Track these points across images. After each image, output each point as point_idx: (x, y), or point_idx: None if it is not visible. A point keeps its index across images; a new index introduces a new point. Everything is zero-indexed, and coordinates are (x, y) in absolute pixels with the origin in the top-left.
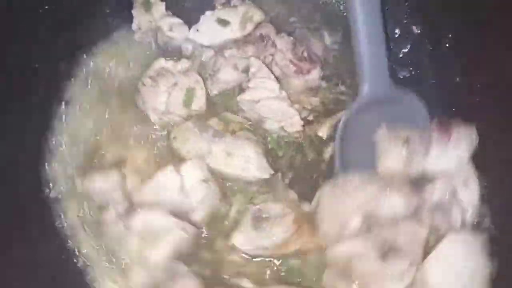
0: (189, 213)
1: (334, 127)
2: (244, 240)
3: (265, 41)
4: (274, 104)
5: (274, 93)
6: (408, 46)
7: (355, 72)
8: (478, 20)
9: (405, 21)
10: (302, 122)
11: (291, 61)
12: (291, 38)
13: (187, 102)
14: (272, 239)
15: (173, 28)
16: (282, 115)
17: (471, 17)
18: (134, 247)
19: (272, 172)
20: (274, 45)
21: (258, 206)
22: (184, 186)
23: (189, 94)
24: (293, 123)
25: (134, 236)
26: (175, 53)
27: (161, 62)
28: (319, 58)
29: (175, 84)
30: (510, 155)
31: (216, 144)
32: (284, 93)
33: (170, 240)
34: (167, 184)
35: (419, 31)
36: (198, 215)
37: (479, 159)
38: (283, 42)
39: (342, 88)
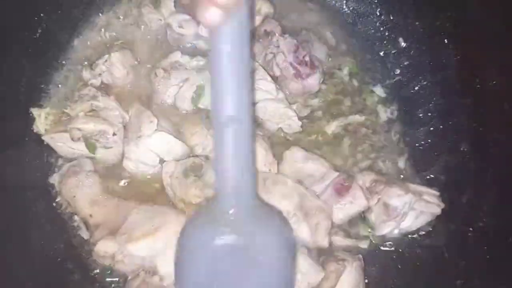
0: (125, 154)
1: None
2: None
3: (269, 37)
4: (272, 106)
5: (271, 95)
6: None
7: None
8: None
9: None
10: (300, 123)
11: (291, 64)
12: (295, 40)
13: (196, 99)
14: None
15: (182, 25)
16: (280, 117)
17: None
18: None
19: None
20: (277, 44)
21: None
22: (141, 138)
23: (199, 91)
24: (291, 125)
25: None
26: (189, 50)
27: (177, 56)
28: (321, 64)
29: (187, 79)
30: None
31: None
32: (281, 94)
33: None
34: (139, 122)
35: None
36: (126, 165)
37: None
38: (286, 44)
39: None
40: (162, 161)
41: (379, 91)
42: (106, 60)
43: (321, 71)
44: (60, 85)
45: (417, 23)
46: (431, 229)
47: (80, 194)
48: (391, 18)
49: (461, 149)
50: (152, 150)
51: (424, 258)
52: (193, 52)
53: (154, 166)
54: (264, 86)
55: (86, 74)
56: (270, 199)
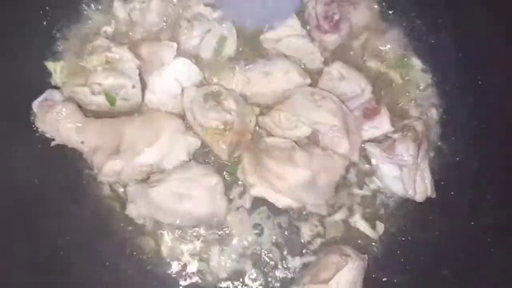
0: (146, 90)
1: None
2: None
3: None
4: (295, 41)
5: (295, 31)
6: None
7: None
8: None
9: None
10: (323, 59)
11: (316, 15)
12: None
13: (218, 49)
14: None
15: None
16: (303, 52)
17: None
18: None
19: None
20: None
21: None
22: (164, 67)
23: (221, 42)
24: (314, 59)
25: None
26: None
27: (200, 7)
28: (348, 28)
29: (209, 30)
30: None
31: (251, 71)
32: (304, 31)
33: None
34: (160, 51)
35: None
36: (148, 99)
37: None
38: None
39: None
40: (183, 89)
41: None
42: (143, 2)
43: (343, 34)
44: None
45: (418, 21)
46: (432, 227)
47: (62, 125)
48: (392, 17)
49: (462, 148)
50: (174, 77)
51: (425, 256)
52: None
53: (176, 95)
54: (289, 21)
55: (117, 4)
56: (319, 113)
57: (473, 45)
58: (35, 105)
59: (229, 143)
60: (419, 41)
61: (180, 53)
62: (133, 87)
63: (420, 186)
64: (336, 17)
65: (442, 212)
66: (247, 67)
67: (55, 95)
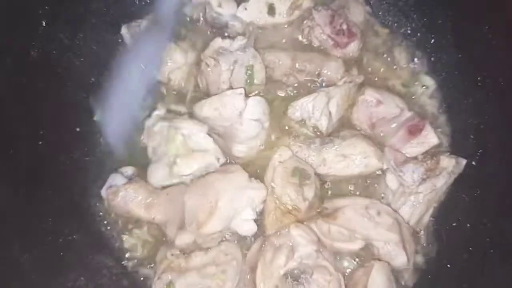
0: (232, 144)
1: None
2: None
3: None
4: None
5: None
6: None
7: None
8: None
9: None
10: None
11: (329, 36)
12: (329, 10)
13: (250, 78)
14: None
15: (222, 4)
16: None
17: None
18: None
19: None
20: (312, 19)
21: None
22: (242, 114)
23: (250, 70)
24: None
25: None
26: (225, 31)
27: (219, 42)
28: (359, 28)
29: (235, 61)
30: None
31: (327, 152)
32: None
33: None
34: (230, 103)
35: None
36: (238, 151)
37: None
38: (321, 16)
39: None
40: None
41: None
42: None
43: (360, 36)
44: None
45: (418, 22)
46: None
47: (131, 207)
48: (392, 17)
49: (463, 147)
50: (253, 119)
51: (424, 256)
52: (230, 34)
53: (259, 134)
54: None
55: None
56: (376, 230)
57: (473, 45)
58: (103, 192)
59: (283, 222)
60: (419, 41)
61: None
62: (218, 159)
63: (405, 211)
64: (344, 26)
65: (442, 212)
66: (323, 147)
67: (118, 179)
